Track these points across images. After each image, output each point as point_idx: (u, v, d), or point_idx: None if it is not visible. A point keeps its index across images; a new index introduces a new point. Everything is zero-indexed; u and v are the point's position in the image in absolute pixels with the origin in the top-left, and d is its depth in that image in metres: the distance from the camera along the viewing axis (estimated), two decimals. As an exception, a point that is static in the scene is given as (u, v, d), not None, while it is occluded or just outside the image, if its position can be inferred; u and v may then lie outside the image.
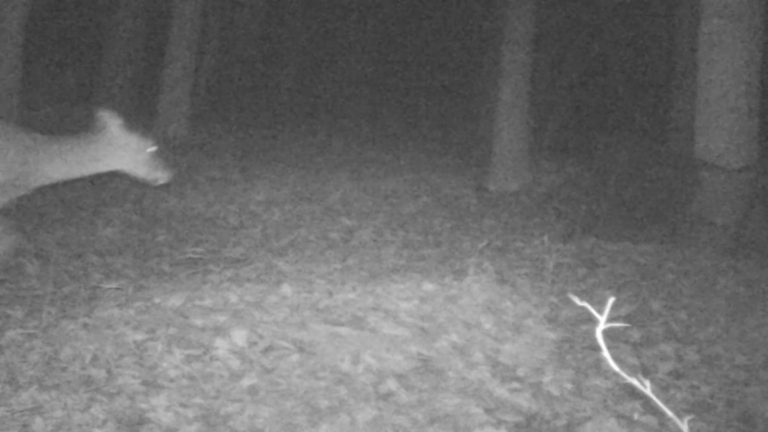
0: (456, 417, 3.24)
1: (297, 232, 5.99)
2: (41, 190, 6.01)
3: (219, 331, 3.69)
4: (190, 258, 5.03)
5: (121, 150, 4.25)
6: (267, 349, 3.58)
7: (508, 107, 8.45)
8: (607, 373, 3.65)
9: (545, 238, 5.46)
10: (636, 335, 4.16)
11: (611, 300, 1.68)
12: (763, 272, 5.39)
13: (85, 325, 3.61)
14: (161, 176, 4.39)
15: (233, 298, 4.03)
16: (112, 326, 3.61)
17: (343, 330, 3.82)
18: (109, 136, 4.20)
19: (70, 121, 9.87)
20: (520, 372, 3.65)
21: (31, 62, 8.80)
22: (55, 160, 4.12)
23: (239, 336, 3.65)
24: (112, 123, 4.19)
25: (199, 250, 5.22)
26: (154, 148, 4.31)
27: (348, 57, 16.87)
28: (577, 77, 13.01)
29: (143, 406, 3.04)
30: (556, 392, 3.52)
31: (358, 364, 3.54)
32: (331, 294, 4.31)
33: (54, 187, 4.54)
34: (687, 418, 1.73)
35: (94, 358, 3.32)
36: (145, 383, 3.19)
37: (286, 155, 9.23)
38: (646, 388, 1.65)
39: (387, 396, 3.33)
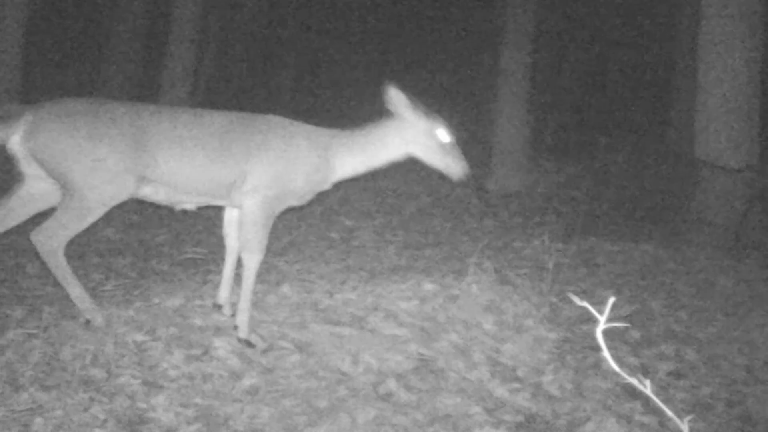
0: (456, 417, 3.24)
1: (297, 232, 5.99)
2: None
3: (219, 331, 3.69)
4: (190, 258, 5.03)
5: (412, 134, 3.75)
6: (267, 349, 3.58)
7: (508, 107, 8.45)
8: (607, 373, 3.65)
9: (545, 238, 5.46)
10: (636, 335, 4.16)
11: (611, 300, 1.68)
12: (763, 272, 5.39)
13: (85, 325, 3.61)
14: (456, 168, 3.78)
15: (233, 298, 4.03)
16: (112, 326, 3.61)
17: (343, 330, 3.82)
18: (399, 120, 3.74)
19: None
20: (520, 372, 3.65)
21: (31, 62, 8.79)
22: (354, 153, 3.77)
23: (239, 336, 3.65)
24: (400, 104, 3.71)
25: (199, 250, 5.22)
26: (447, 138, 3.75)
27: (348, 57, 16.86)
28: (577, 77, 13.02)
29: (143, 406, 3.04)
30: (556, 392, 3.52)
31: (358, 364, 3.54)
32: (331, 294, 4.31)
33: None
34: (687, 418, 1.73)
35: (94, 358, 3.32)
36: (145, 383, 3.19)
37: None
38: (646, 388, 1.65)
39: (387, 396, 3.33)
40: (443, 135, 3.73)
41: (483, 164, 8.73)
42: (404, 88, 3.69)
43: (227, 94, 13.73)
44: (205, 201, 3.67)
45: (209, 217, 6.30)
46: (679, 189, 7.08)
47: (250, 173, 3.54)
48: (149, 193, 3.59)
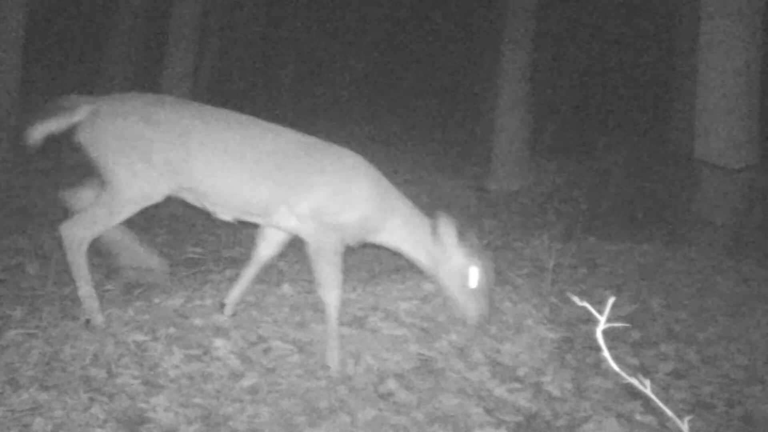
0: (456, 417, 3.24)
1: (297, 232, 5.98)
2: (41, 190, 6.01)
3: (219, 331, 3.69)
4: (190, 258, 5.03)
5: (445, 261, 3.60)
6: (267, 349, 3.58)
7: (508, 107, 8.45)
8: (607, 373, 3.65)
9: (545, 238, 5.45)
10: (636, 335, 4.16)
11: (611, 300, 1.68)
12: (763, 272, 5.39)
13: (85, 325, 3.61)
14: (472, 313, 3.64)
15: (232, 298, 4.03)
16: (112, 326, 3.61)
17: (343, 330, 3.82)
18: (441, 241, 3.57)
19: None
20: (520, 372, 3.65)
21: (31, 62, 8.79)
22: (404, 229, 3.62)
23: (239, 336, 3.65)
24: (447, 235, 3.56)
25: (199, 250, 5.22)
26: (475, 283, 3.57)
27: (347, 57, 16.86)
28: (577, 77, 13.02)
29: (143, 406, 3.04)
30: (556, 392, 3.52)
31: (359, 364, 3.54)
32: (331, 294, 4.30)
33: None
34: (687, 418, 1.73)
35: (94, 358, 3.32)
36: (145, 383, 3.19)
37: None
38: (646, 388, 1.65)
39: (387, 396, 3.33)
40: (473, 280, 3.56)
41: (483, 164, 8.73)
42: (455, 220, 3.55)
43: (227, 94, 13.73)
44: (242, 217, 3.62)
45: (209, 217, 6.30)
46: (679, 189, 7.07)
47: (304, 200, 3.46)
48: (186, 197, 3.62)
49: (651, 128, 11.01)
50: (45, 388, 3.07)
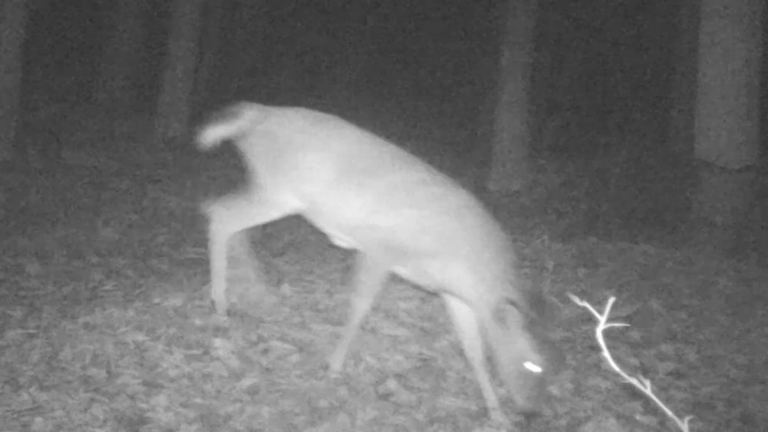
0: (456, 417, 3.24)
1: (297, 232, 5.98)
2: (41, 190, 6.01)
3: (219, 331, 3.69)
4: (190, 258, 5.03)
5: (506, 339, 3.18)
6: (267, 349, 3.58)
7: (508, 107, 8.45)
8: (607, 373, 3.65)
9: (545, 238, 5.45)
10: (636, 335, 4.16)
11: (611, 300, 1.68)
12: (763, 272, 5.39)
13: (85, 325, 3.61)
14: (521, 399, 3.16)
15: (233, 298, 4.03)
16: (112, 326, 3.61)
17: (343, 330, 3.81)
18: (509, 321, 3.14)
19: (69, 121, 9.87)
20: (520, 372, 3.64)
21: (31, 62, 8.79)
22: (470, 271, 3.32)
23: (239, 336, 3.65)
24: (512, 319, 3.13)
25: (199, 250, 5.22)
26: (535, 369, 3.13)
27: (348, 57, 16.86)
28: (577, 77, 13.01)
29: (143, 406, 3.04)
30: (556, 392, 3.52)
31: (359, 364, 3.54)
32: (331, 294, 4.31)
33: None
34: (687, 418, 1.73)
35: (94, 358, 3.32)
36: (145, 383, 3.19)
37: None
38: (646, 388, 1.65)
39: (387, 396, 3.33)
40: (533, 365, 3.13)
41: (483, 164, 8.73)
42: (521, 304, 3.18)
43: (227, 94, 13.72)
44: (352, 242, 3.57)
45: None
46: (679, 189, 7.08)
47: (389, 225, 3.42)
48: (311, 217, 3.66)
49: (651, 128, 11.00)
50: (45, 388, 3.07)
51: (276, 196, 3.63)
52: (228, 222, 3.72)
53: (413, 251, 3.39)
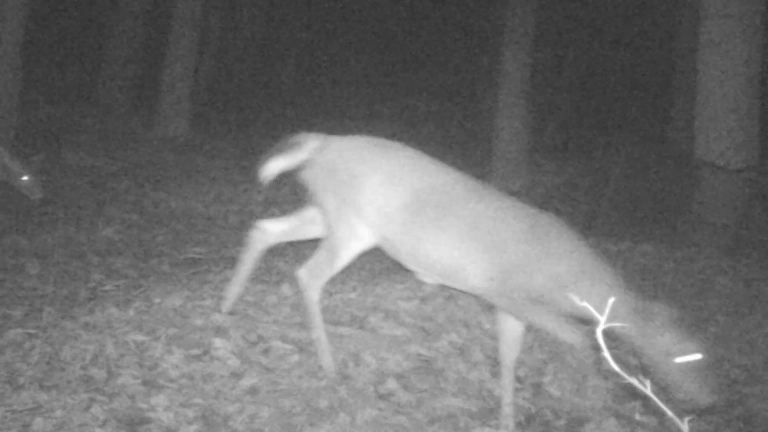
0: (456, 417, 3.24)
1: (297, 232, 5.98)
2: (41, 190, 6.00)
3: (219, 331, 3.68)
4: (190, 258, 5.03)
5: (653, 338, 3.09)
6: (267, 349, 3.58)
7: (508, 107, 8.45)
8: (607, 373, 3.65)
9: (545, 238, 5.44)
10: (636, 335, 4.15)
11: (611, 300, 1.68)
12: (763, 272, 5.39)
13: (85, 325, 3.61)
14: (707, 397, 3.00)
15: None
16: (112, 326, 3.60)
17: (343, 330, 3.81)
18: (656, 317, 3.09)
19: (69, 121, 9.88)
20: (520, 372, 3.65)
21: (31, 62, 8.79)
22: (589, 283, 3.15)
23: (239, 336, 3.65)
24: (656, 309, 3.10)
25: (199, 250, 5.22)
26: (693, 356, 3.02)
27: (348, 57, 16.87)
28: (577, 77, 13.02)
29: (143, 406, 3.04)
30: (556, 392, 3.52)
31: (359, 364, 3.54)
32: (331, 294, 4.31)
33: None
34: (687, 418, 1.73)
35: (94, 358, 3.32)
36: (145, 383, 3.19)
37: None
38: (646, 388, 1.65)
39: (387, 396, 3.33)
40: (692, 354, 3.01)
41: (483, 164, 8.73)
42: (672, 308, 3.11)
43: (227, 94, 13.73)
44: (443, 282, 3.43)
45: (210, 217, 6.30)
46: (679, 189, 7.07)
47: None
48: (388, 250, 3.46)
49: (651, 128, 11.01)
50: (45, 388, 3.07)
51: (351, 231, 3.36)
52: (318, 281, 3.45)
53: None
